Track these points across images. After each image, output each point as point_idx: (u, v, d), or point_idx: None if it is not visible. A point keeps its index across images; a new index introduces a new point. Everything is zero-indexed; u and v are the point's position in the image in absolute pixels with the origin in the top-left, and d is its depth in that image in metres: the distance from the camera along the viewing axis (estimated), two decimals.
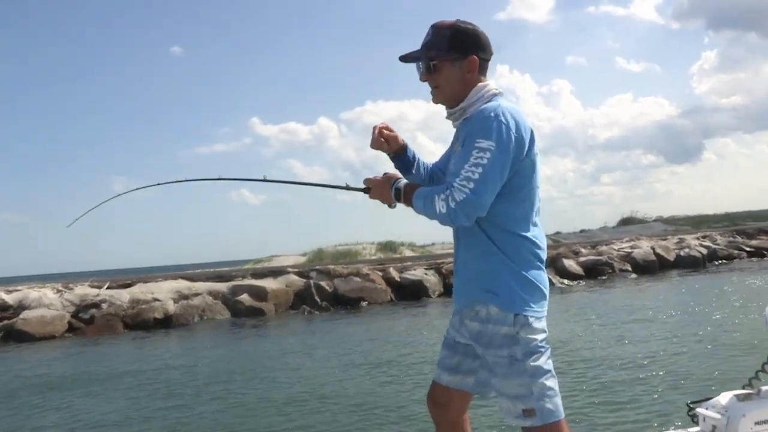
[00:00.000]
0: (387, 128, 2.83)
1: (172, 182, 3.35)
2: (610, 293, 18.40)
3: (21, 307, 18.33)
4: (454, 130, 2.64)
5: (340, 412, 6.93)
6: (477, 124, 2.37)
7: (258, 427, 6.64)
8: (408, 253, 33.45)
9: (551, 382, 2.38)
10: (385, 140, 2.81)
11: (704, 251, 26.40)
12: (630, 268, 23.92)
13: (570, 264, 23.06)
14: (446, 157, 2.80)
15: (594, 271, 23.13)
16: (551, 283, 20.26)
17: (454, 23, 2.53)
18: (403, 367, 9.32)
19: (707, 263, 25.54)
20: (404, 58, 2.64)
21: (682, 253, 25.80)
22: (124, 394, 8.77)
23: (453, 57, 2.50)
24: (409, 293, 19.88)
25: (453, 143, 2.66)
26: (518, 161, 2.37)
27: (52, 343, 15.72)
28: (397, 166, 2.88)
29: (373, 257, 31.07)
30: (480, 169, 2.27)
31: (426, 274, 20.98)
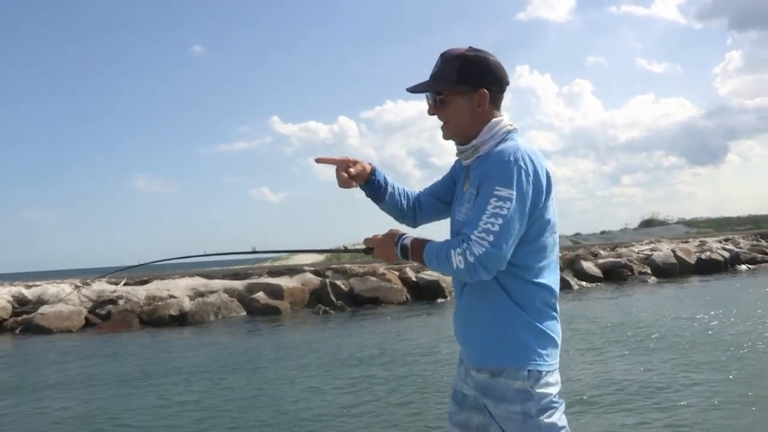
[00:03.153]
0: (348, 164, 2.58)
1: (190, 256, 3.58)
2: (626, 297, 18.16)
3: (39, 302, 18.56)
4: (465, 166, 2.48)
5: (352, 413, 6.87)
6: (495, 169, 2.20)
7: (270, 424, 6.59)
8: None
9: None
10: (353, 177, 2.58)
11: (726, 255, 25.89)
12: (649, 271, 23.58)
13: (588, 266, 22.81)
14: (442, 186, 2.66)
15: (612, 274, 22.81)
16: (568, 285, 20.15)
17: (464, 53, 2.35)
18: (415, 367, 9.24)
19: (729, 267, 25.10)
20: (412, 90, 2.46)
21: (703, 257, 25.25)
22: (138, 389, 8.76)
23: (461, 90, 2.34)
24: (426, 293, 19.77)
25: (462, 181, 2.48)
26: (537, 209, 2.23)
27: (69, 337, 15.81)
28: (368, 195, 2.67)
29: None
30: (500, 221, 2.12)
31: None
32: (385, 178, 2.66)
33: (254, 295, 18.44)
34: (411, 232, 2.49)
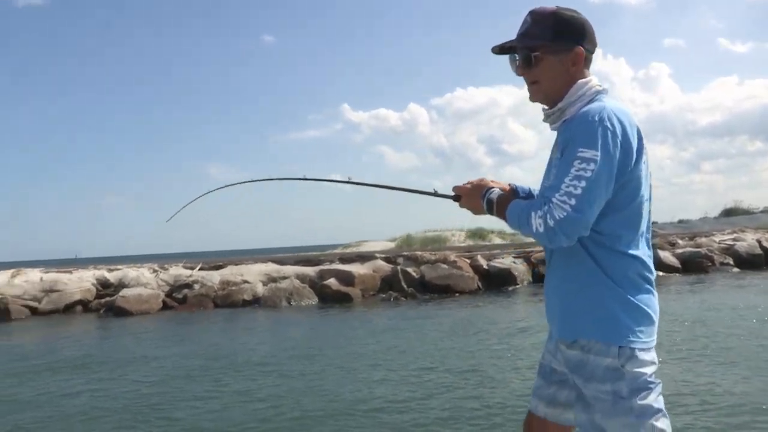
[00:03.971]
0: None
1: (260, 180, 3.40)
2: (708, 291, 17.53)
3: (121, 285, 19.23)
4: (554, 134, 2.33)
5: (424, 398, 6.82)
6: (579, 130, 2.07)
7: (339, 409, 6.60)
8: (497, 240, 33.04)
9: (662, 423, 2.09)
10: None
11: None
12: (732, 262, 22.71)
13: (665, 256, 22.09)
14: (547, 173, 2.46)
15: (691, 264, 22.01)
16: None
17: (557, 10, 2.23)
18: (486, 355, 9.13)
19: None
20: (498, 49, 2.35)
21: None
22: (213, 370, 8.92)
23: (557, 48, 2.21)
24: (497, 281, 19.56)
25: (552, 150, 2.34)
26: (626, 172, 2.08)
27: (147, 319, 16.33)
28: None
29: (462, 244, 30.83)
30: (583, 183, 1.98)
31: (514, 262, 20.60)
32: (530, 193, 2.58)
33: (326, 282, 18.61)
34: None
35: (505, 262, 20.54)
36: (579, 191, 1.99)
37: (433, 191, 2.63)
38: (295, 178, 3.22)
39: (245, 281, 18.83)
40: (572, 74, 2.23)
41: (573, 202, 1.99)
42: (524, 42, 2.27)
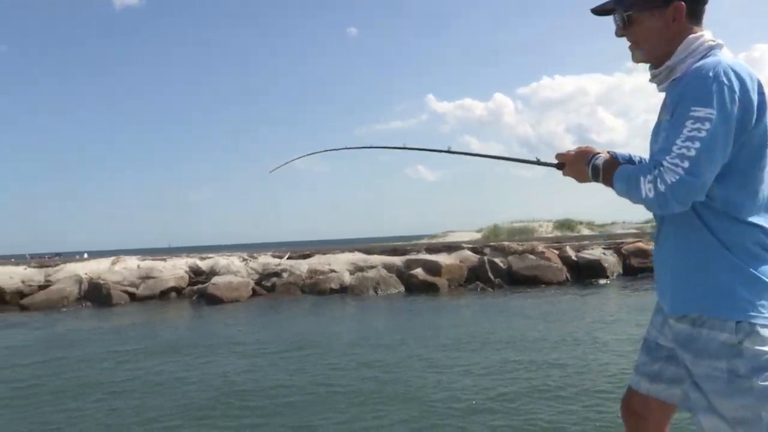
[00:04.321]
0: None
1: (359, 148, 3.36)
2: None
3: (212, 272, 19.81)
4: (662, 95, 2.15)
5: (494, 397, 6.69)
6: (691, 87, 1.90)
7: (420, 398, 6.55)
8: (586, 231, 32.31)
9: None
10: None
11: None
12: None
13: None
14: (654, 135, 2.26)
15: None
16: None
17: None
18: (574, 347, 8.89)
19: None
20: (596, 11, 2.23)
21: None
22: (297, 358, 9.03)
23: (652, 5, 2.06)
24: (586, 273, 19.06)
25: (660, 112, 2.16)
26: (745, 131, 1.89)
27: (238, 306, 16.75)
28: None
29: (549, 235, 30.29)
30: (697, 144, 1.82)
31: (604, 253, 20.03)
32: (631, 159, 2.39)
33: (412, 271, 18.61)
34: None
35: (595, 253, 20.01)
36: (693, 153, 1.83)
37: (535, 159, 2.52)
38: (394, 147, 3.15)
39: (332, 270, 19.05)
40: (675, 31, 2.06)
41: (686, 164, 1.83)
42: (619, 2, 2.14)
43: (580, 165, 2.23)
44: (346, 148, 3.44)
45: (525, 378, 7.35)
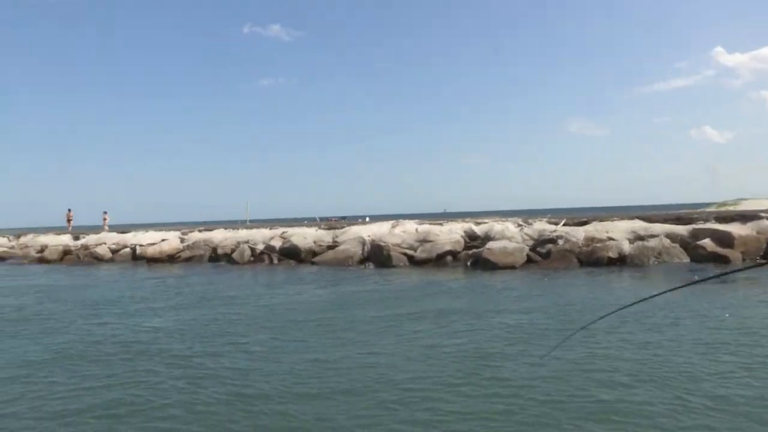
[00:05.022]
0: None
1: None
2: None
3: (487, 238, 19.98)
4: None
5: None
6: None
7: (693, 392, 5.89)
8: None
9: None
10: None
11: None
12: None
13: None
14: None
15: None
16: None
17: None
18: None
19: None
20: None
21: None
22: (557, 332, 8.55)
23: None
24: None
25: None
26: None
27: (511, 273, 16.68)
28: None
29: None
30: None
31: None
32: None
33: (699, 242, 17.13)
34: None
35: None
36: None
37: None
38: None
39: (610, 238, 18.18)
40: None
41: None
42: None
43: None
44: None
45: None
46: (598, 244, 18.01)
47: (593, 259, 17.47)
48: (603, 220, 20.10)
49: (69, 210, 37.10)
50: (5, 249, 32.82)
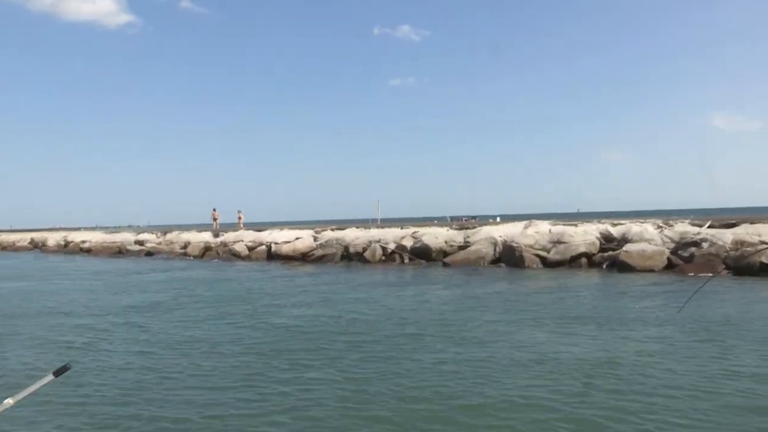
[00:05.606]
0: None
1: None
2: None
3: (624, 239, 19.16)
4: None
5: None
6: None
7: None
8: None
9: None
10: None
11: None
12: None
13: None
14: None
15: None
16: None
17: None
18: None
19: None
20: None
21: None
22: (707, 345, 8.02)
23: None
24: None
25: None
26: None
27: (650, 277, 15.89)
28: None
29: None
30: None
31: None
32: None
33: None
34: None
35: None
36: None
37: None
38: None
39: (763, 242, 16.87)
40: None
41: None
42: None
43: None
44: None
45: None
46: (748, 248, 16.76)
47: (743, 265, 16.22)
48: (754, 222, 18.70)
49: (214, 210, 40.53)
50: (153, 245, 35.07)
